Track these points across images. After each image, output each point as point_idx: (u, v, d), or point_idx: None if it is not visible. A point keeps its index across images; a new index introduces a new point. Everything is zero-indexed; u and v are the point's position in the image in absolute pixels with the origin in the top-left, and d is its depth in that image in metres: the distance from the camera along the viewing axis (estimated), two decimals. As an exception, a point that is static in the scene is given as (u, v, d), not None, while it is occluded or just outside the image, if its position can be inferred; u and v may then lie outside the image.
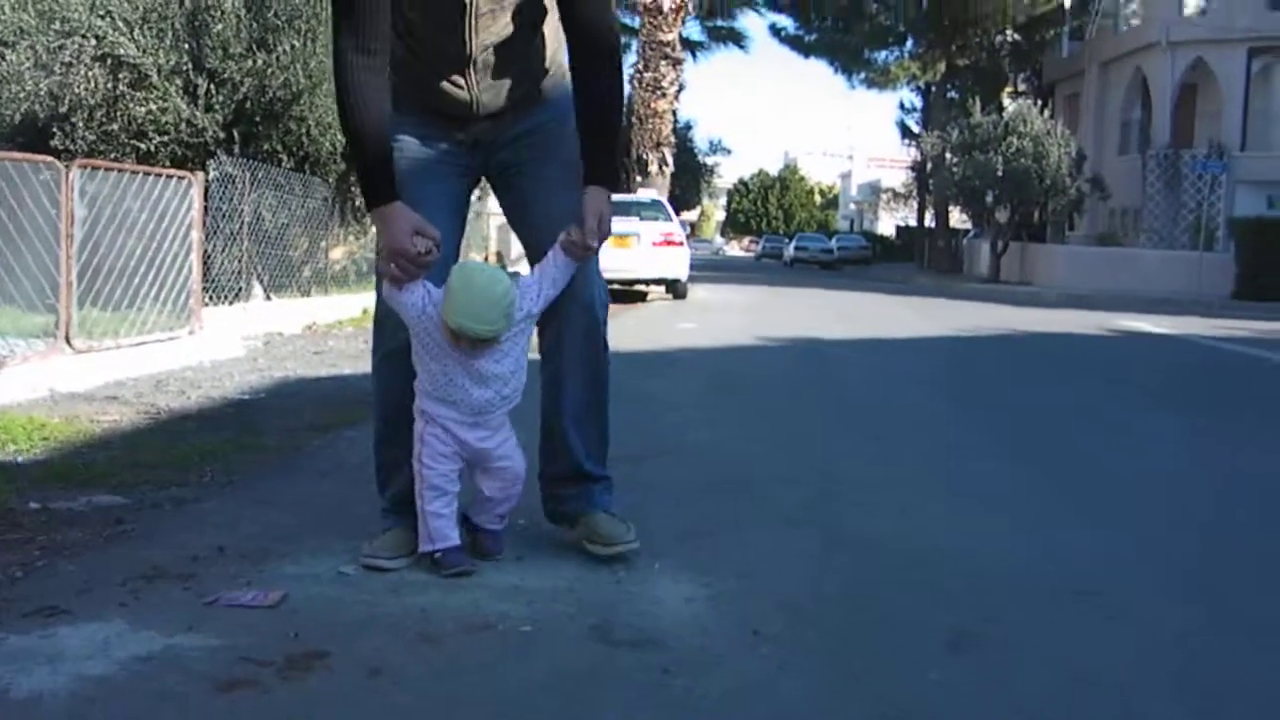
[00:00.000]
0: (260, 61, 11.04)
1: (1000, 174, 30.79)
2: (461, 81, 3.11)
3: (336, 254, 14.16)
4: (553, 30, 3.23)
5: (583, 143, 3.16)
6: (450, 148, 3.23)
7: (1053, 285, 28.35)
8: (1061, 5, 38.44)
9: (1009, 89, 43.74)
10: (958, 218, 41.23)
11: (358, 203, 13.70)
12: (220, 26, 10.93)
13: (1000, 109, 37.19)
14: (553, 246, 3.10)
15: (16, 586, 2.86)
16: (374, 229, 10.88)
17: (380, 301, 3.18)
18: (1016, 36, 40.57)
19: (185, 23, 10.91)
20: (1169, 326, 16.05)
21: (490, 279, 2.95)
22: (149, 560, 3.07)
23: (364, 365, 8.17)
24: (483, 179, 3.45)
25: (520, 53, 3.16)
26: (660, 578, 3.02)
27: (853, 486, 4.45)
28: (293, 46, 11.21)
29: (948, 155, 33.75)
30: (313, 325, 11.33)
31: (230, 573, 3.00)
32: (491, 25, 3.05)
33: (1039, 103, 36.83)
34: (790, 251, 56.22)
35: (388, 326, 3.19)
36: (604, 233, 3.10)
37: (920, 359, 10.67)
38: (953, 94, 42.47)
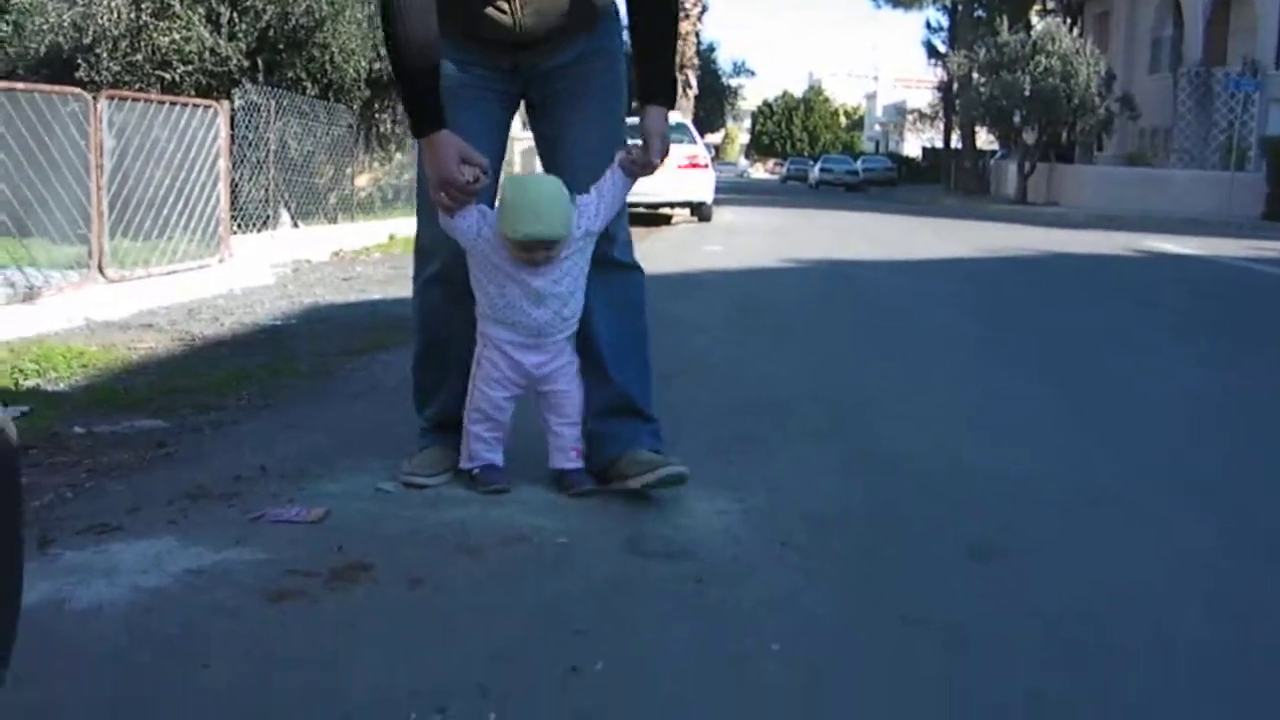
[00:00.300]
0: (283, -12, 11.06)
1: (1028, 94, 30.52)
2: (505, 5, 2.98)
3: (361, 181, 14.20)
4: None
5: (638, 58, 3.08)
6: (490, 74, 3.11)
7: (1080, 206, 28.17)
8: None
9: (1037, 7, 43.16)
10: (985, 138, 40.91)
11: (382, 129, 13.76)
12: (243, -47, 10.93)
13: (1028, 28, 36.76)
14: (610, 167, 3.04)
15: (68, 506, 2.96)
16: (398, 155, 10.88)
17: (421, 229, 3.18)
18: (1046, -49, 40.04)
19: (207, -50, 10.92)
20: (1198, 248, 15.96)
21: (541, 180, 2.97)
22: (193, 480, 3.17)
23: (393, 290, 8.30)
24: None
25: None
26: (692, 492, 3.09)
27: (877, 405, 4.52)
28: (315, -28, 11.21)
29: (974, 75, 33.45)
30: (340, 252, 11.41)
31: (272, 491, 3.09)
32: None
33: (1068, 21, 36.41)
34: (815, 174, 55.87)
35: (428, 253, 3.19)
36: (664, 150, 3.05)
37: (946, 280, 10.68)
38: (980, 12, 41.96)
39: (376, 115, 13.49)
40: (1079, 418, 4.48)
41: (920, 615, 2.32)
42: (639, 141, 3.03)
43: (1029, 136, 32.80)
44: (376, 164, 14.68)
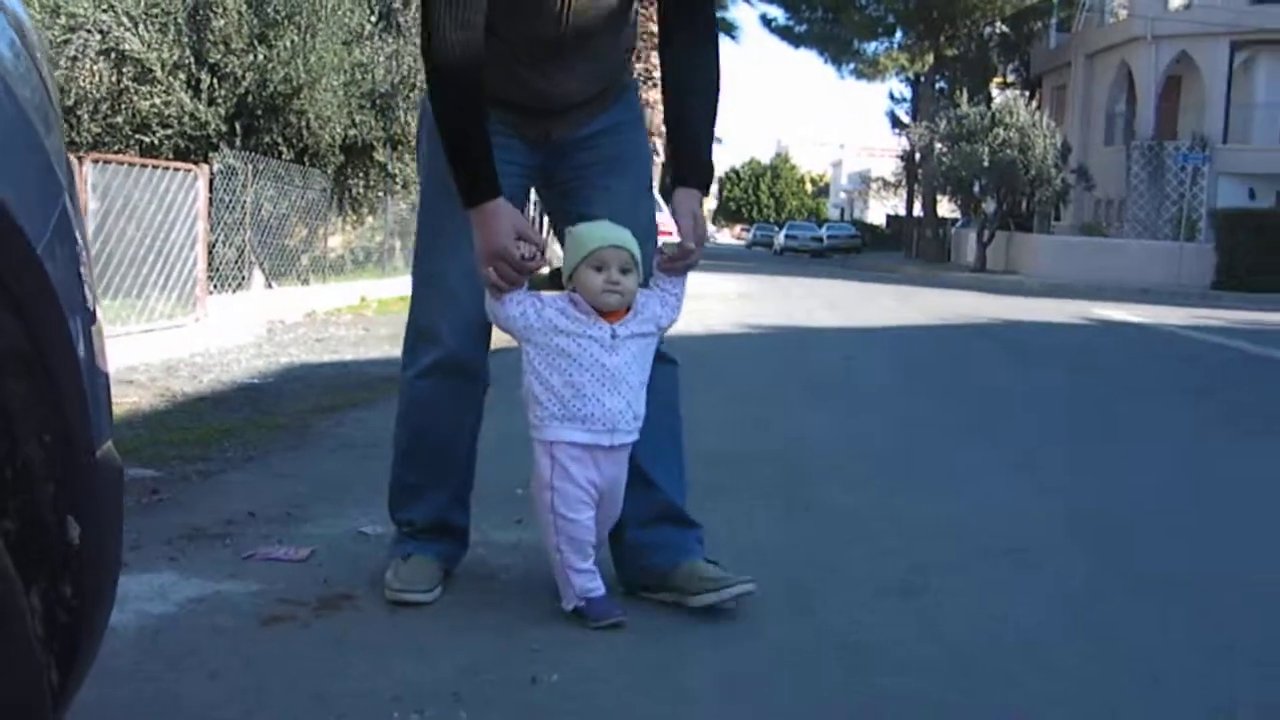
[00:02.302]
0: (261, 56, 11.39)
1: (987, 164, 31.22)
2: (547, 67, 2.78)
3: (334, 242, 14.53)
4: (633, 11, 2.90)
5: (673, 134, 2.84)
6: (519, 144, 2.87)
7: (1037, 274, 28.78)
8: (1050, -2, 38.93)
9: (997, 80, 44.19)
10: (946, 207, 41.66)
11: (355, 193, 14.09)
12: (222, 22, 11.27)
13: (989, 100, 37.61)
14: (655, 272, 2.78)
15: (75, 543, 3.26)
16: (369, 219, 11.06)
17: (422, 307, 2.92)
18: (1004, 28, 40.98)
19: (187, 18, 11.25)
20: (1145, 316, 16.47)
21: (598, 221, 2.75)
22: (188, 523, 3.47)
23: (364, 351, 8.63)
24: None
25: (611, 35, 2.84)
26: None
27: (819, 461, 4.88)
28: (293, 42, 11.55)
29: (936, 145, 34.17)
30: (312, 313, 11.71)
31: (262, 533, 3.40)
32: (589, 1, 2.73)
33: (1027, 94, 37.32)
34: (781, 240, 56.61)
35: (428, 336, 2.89)
36: (700, 236, 2.78)
37: (899, 346, 11.09)
38: (941, 85, 42.87)
39: (350, 179, 13.84)
40: (999, 471, 4.86)
41: (839, 639, 2.66)
42: (666, 236, 2.80)
43: (988, 206, 33.55)
44: (349, 226, 15.03)
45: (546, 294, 2.69)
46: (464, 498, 3.03)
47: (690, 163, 2.84)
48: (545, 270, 2.79)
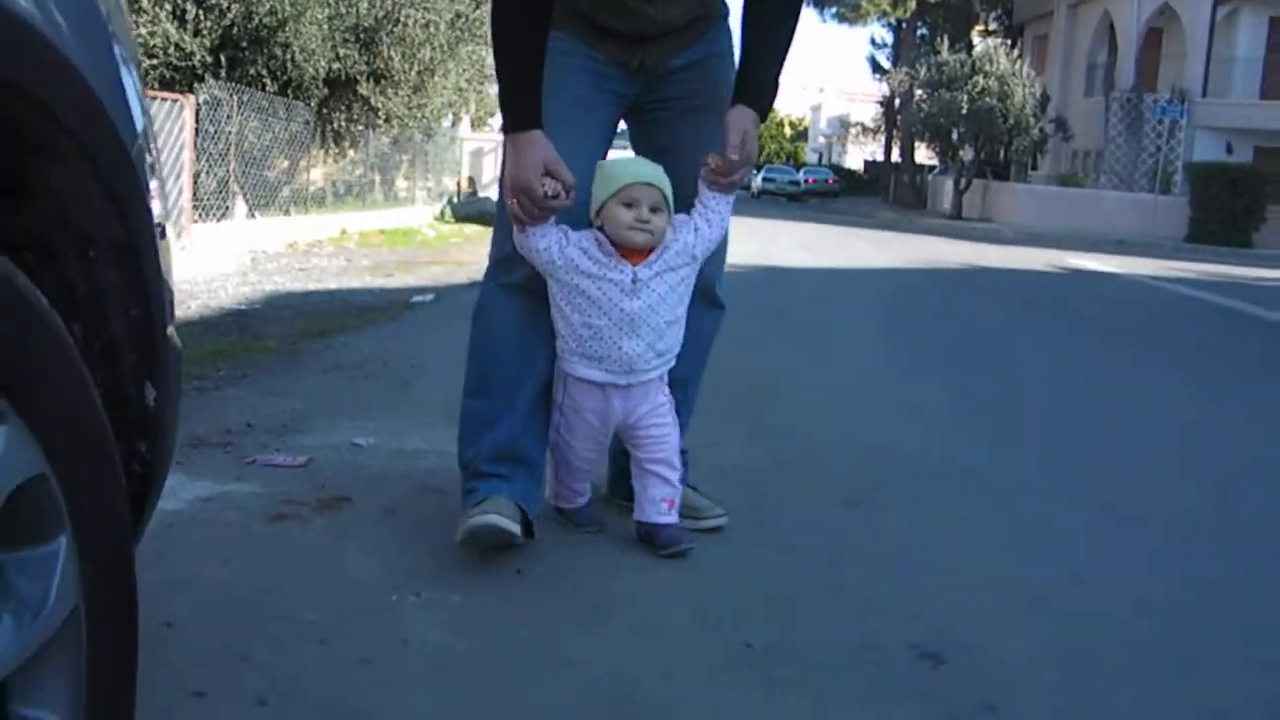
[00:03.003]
0: (247, -13, 11.50)
1: (965, 112, 31.37)
2: None
3: (316, 175, 14.66)
4: None
5: (744, 53, 2.75)
6: (616, 72, 2.80)
7: (1012, 223, 29.04)
8: (1033, -55, 38.93)
9: (979, 28, 44.18)
10: (925, 154, 41.82)
11: (337, 127, 14.21)
12: (209, -47, 11.36)
13: (970, 47, 37.65)
14: (700, 187, 2.74)
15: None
16: (351, 152, 11.23)
17: (501, 240, 2.79)
18: (988, -25, 41.01)
19: (174, -52, 11.34)
20: (1117, 266, 16.76)
21: (633, 155, 2.78)
22: (190, 432, 3.68)
23: (347, 281, 8.82)
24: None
25: None
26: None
27: (784, 390, 5.15)
28: (278, -26, 11.66)
29: (916, 92, 34.29)
30: (294, 243, 11.87)
31: (261, 442, 3.62)
32: None
33: (1009, 42, 37.37)
34: (758, 183, 56.53)
35: (510, 262, 2.76)
36: (748, 155, 2.69)
37: (870, 287, 11.33)
38: (923, 31, 42.91)
39: (332, 113, 13.95)
40: (956, 402, 5.13)
41: (799, 545, 2.92)
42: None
43: (966, 154, 33.71)
44: (330, 160, 15.15)
45: (573, 231, 2.63)
46: (537, 426, 2.83)
47: (749, 82, 2.73)
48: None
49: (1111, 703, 2.13)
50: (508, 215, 2.67)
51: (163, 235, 1.36)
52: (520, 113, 2.55)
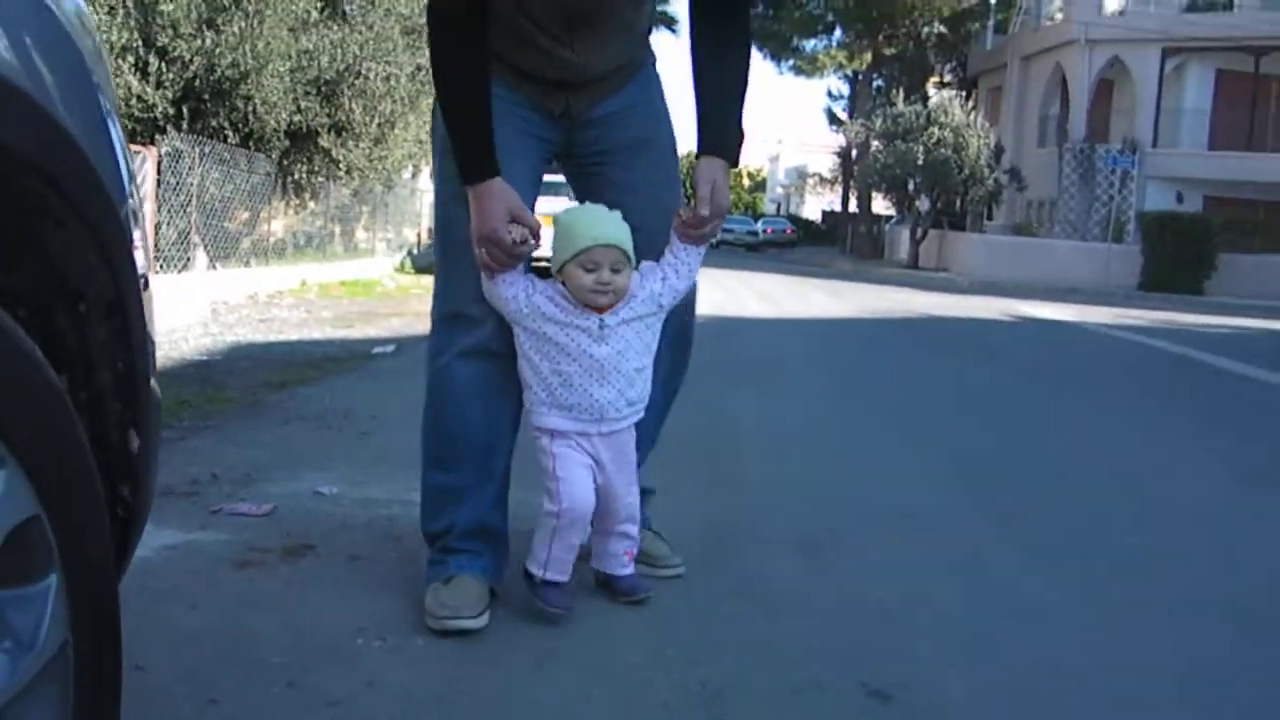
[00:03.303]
0: (209, 41, 11.58)
1: (921, 163, 31.75)
2: (569, 39, 2.66)
3: (276, 227, 14.72)
4: None
5: (699, 103, 2.72)
6: (540, 118, 2.78)
7: (968, 272, 29.39)
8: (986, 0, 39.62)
9: (934, 79, 44.84)
10: (881, 204, 42.25)
11: (297, 178, 14.29)
12: (170, 6, 11.43)
13: (925, 99, 38.19)
14: (670, 236, 2.74)
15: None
16: (311, 204, 11.30)
17: (454, 287, 2.75)
18: (942, 28, 41.57)
19: (136, 1, 11.41)
20: (1069, 314, 17.02)
21: (592, 205, 2.71)
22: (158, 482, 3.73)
23: (308, 332, 8.88)
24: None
25: (634, 6, 2.75)
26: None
27: (741, 438, 5.25)
28: (240, 27, 11.75)
29: (872, 143, 34.71)
30: (255, 295, 11.92)
31: (225, 491, 3.68)
32: None
33: (964, 94, 37.96)
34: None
35: (469, 318, 2.72)
36: (719, 206, 2.67)
37: (824, 337, 11.49)
38: (879, 83, 43.46)
39: (293, 164, 14.04)
40: (901, 447, 5.25)
41: (748, 589, 3.00)
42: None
43: (922, 204, 34.13)
44: (291, 211, 15.22)
45: (540, 280, 2.64)
46: (504, 497, 2.84)
47: (713, 130, 2.71)
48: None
49: (1050, 735, 2.22)
50: (453, 264, 2.69)
51: (146, 286, 1.44)
52: (476, 164, 2.56)
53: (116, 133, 1.39)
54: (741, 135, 2.78)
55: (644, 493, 2.95)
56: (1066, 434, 6.11)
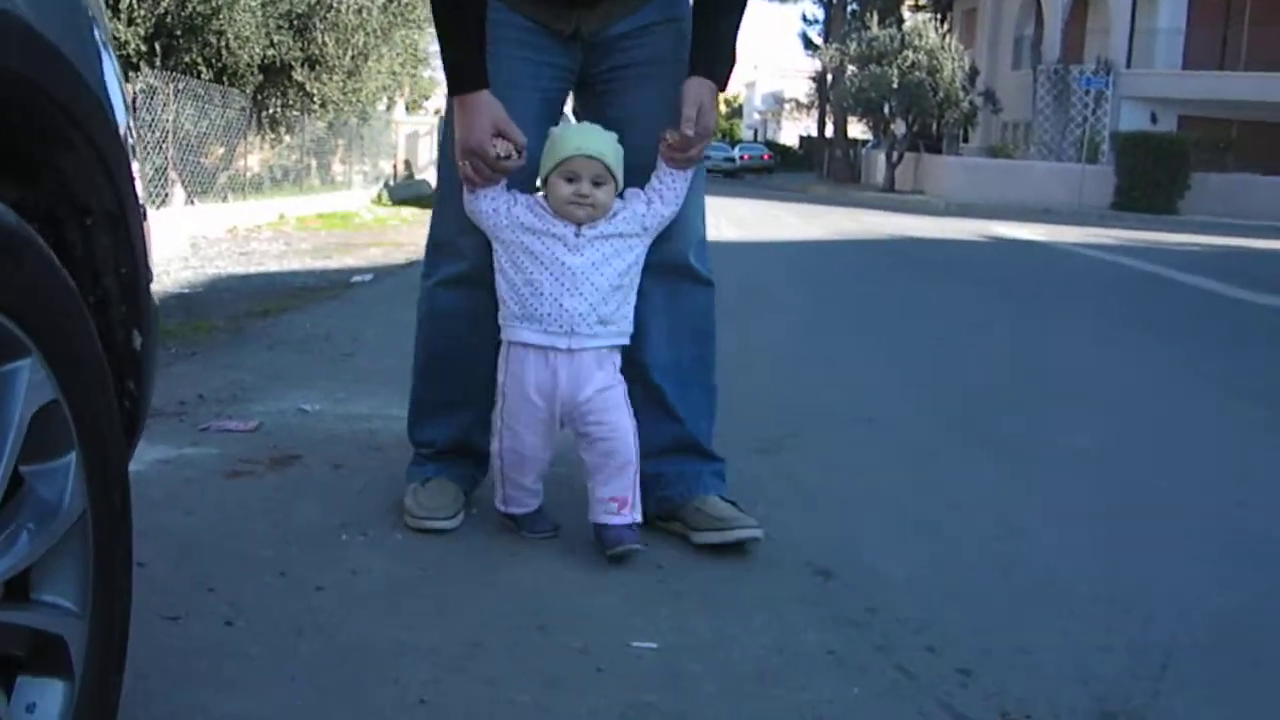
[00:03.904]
0: (180, -25, 11.62)
1: (896, 86, 31.78)
2: None
3: (252, 162, 14.79)
4: None
5: (695, 23, 2.65)
6: (547, 42, 2.68)
7: (943, 195, 29.49)
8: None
9: (909, 2, 44.67)
10: (858, 128, 42.28)
11: (273, 113, 14.33)
12: (142, -58, 11.46)
13: (900, 22, 38.10)
14: (657, 161, 2.65)
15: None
16: (287, 138, 11.33)
17: (442, 219, 2.79)
18: (916, -52, 41.46)
19: (106, -63, 11.42)
20: (1041, 234, 17.22)
21: (587, 123, 2.69)
22: (146, 404, 3.92)
23: (288, 264, 9.04)
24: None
25: None
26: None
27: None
28: (211, -39, 11.79)
29: (847, 67, 34.69)
30: (234, 229, 12.03)
31: (213, 411, 3.87)
32: None
33: (938, 17, 37.83)
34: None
35: (450, 248, 2.76)
36: (705, 127, 2.59)
37: (796, 260, 11.67)
38: (854, 7, 43.30)
39: (268, 99, 14.09)
40: (866, 356, 5.50)
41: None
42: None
43: (898, 127, 34.17)
44: (267, 146, 15.28)
45: (522, 194, 2.61)
46: (485, 416, 2.76)
47: (703, 51, 2.64)
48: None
49: (976, 609, 2.44)
50: (450, 192, 2.67)
51: (144, 216, 1.61)
52: (465, 73, 2.51)
53: (112, 63, 1.55)
54: (733, 59, 2.70)
55: (712, 458, 2.89)
56: (1028, 346, 6.33)
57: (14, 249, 1.22)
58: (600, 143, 2.55)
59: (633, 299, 2.65)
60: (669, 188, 2.63)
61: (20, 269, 1.23)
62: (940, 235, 16.07)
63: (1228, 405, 4.93)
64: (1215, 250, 15.79)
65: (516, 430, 2.61)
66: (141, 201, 1.58)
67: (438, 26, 2.55)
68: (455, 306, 2.78)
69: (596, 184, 2.53)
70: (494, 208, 2.58)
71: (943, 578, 2.60)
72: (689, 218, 2.75)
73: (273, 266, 8.84)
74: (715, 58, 2.64)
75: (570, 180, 2.53)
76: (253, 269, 8.66)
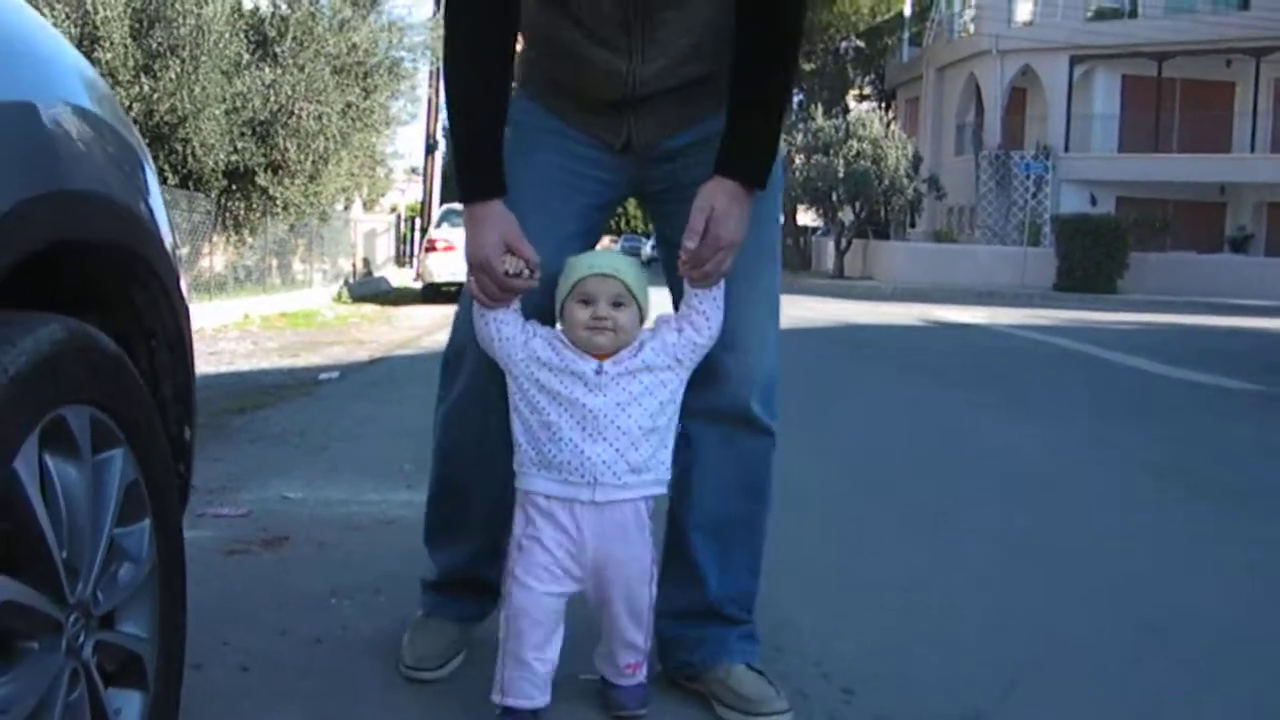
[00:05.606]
0: (146, 87, 12.14)
1: (842, 175, 32.62)
2: (620, 42, 2.26)
3: (218, 262, 15.26)
4: None
5: (730, 113, 2.26)
6: (599, 154, 2.41)
7: (891, 280, 30.26)
8: (901, 13, 40.71)
9: (854, 92, 45.81)
10: (807, 216, 43.15)
11: (236, 214, 14.84)
12: (109, 55, 11.98)
13: (846, 111, 39.10)
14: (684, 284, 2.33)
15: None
16: (250, 239, 11.78)
17: (456, 332, 2.50)
18: (859, 43, 42.59)
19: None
20: (982, 317, 17.89)
21: (609, 250, 2.48)
22: (143, 494, 4.35)
23: (257, 362, 9.48)
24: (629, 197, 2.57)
25: (702, 5, 2.28)
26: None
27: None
28: (176, 73, 12.31)
29: (795, 157, 35.61)
30: (201, 329, 12.44)
31: (205, 500, 4.29)
32: None
33: (883, 105, 38.89)
34: (648, 250, 57.50)
35: (462, 364, 2.48)
36: (716, 238, 2.21)
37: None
38: (799, 98, 44.38)
39: (232, 202, 14.59)
40: (799, 440, 5.93)
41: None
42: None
43: (846, 215, 35.01)
44: (231, 247, 15.76)
45: (541, 326, 2.30)
46: (498, 550, 2.50)
47: (733, 144, 2.25)
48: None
49: (866, 642, 2.90)
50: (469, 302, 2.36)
51: (187, 316, 2.07)
52: (476, 179, 2.26)
53: (154, 179, 2.00)
54: (770, 153, 2.29)
55: (737, 622, 2.56)
56: (938, 422, 6.85)
57: (113, 367, 1.68)
58: (616, 261, 2.29)
59: (670, 442, 2.32)
60: (697, 310, 2.31)
61: (117, 382, 1.69)
62: (882, 321, 16.68)
63: (1129, 474, 5.44)
64: (1146, 328, 16.49)
65: (528, 583, 2.23)
66: (189, 308, 2.04)
67: (451, 128, 2.32)
68: (464, 430, 2.53)
69: (616, 305, 2.23)
70: (507, 335, 2.27)
71: (835, 615, 3.07)
72: (753, 350, 2.47)
73: (243, 365, 9.27)
74: (744, 151, 2.25)
75: (586, 303, 2.23)
76: (223, 368, 9.09)
